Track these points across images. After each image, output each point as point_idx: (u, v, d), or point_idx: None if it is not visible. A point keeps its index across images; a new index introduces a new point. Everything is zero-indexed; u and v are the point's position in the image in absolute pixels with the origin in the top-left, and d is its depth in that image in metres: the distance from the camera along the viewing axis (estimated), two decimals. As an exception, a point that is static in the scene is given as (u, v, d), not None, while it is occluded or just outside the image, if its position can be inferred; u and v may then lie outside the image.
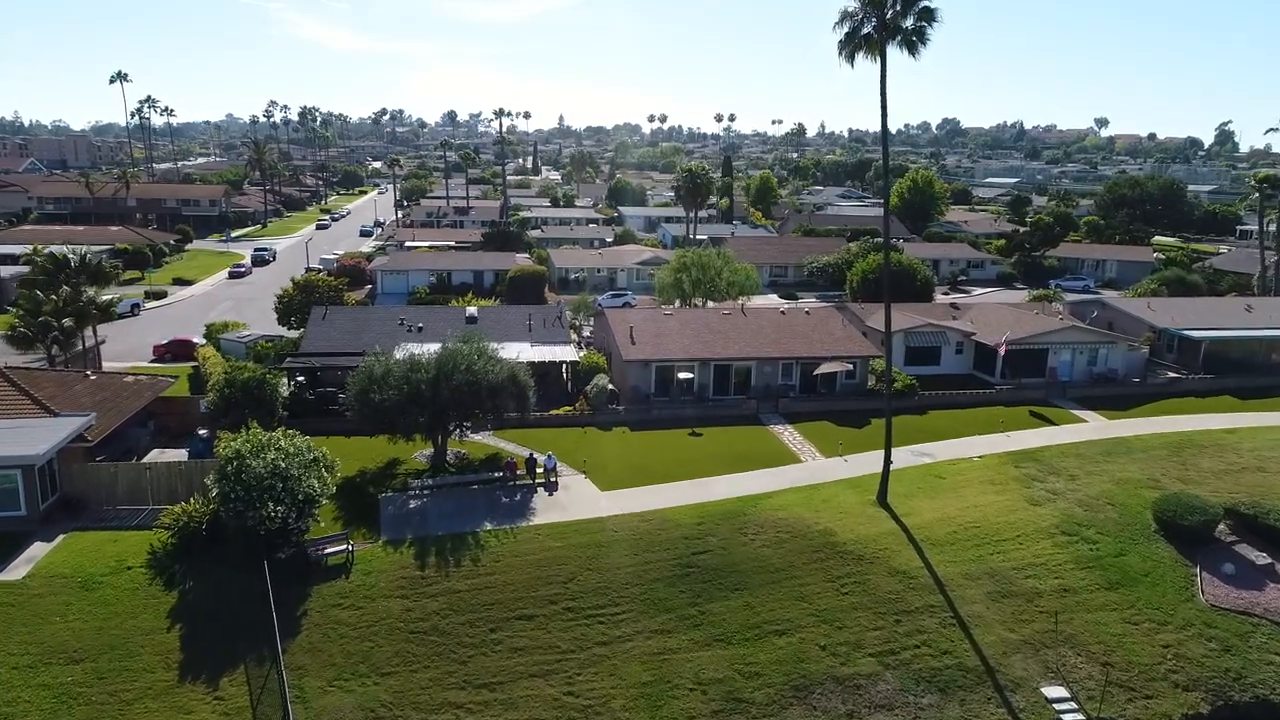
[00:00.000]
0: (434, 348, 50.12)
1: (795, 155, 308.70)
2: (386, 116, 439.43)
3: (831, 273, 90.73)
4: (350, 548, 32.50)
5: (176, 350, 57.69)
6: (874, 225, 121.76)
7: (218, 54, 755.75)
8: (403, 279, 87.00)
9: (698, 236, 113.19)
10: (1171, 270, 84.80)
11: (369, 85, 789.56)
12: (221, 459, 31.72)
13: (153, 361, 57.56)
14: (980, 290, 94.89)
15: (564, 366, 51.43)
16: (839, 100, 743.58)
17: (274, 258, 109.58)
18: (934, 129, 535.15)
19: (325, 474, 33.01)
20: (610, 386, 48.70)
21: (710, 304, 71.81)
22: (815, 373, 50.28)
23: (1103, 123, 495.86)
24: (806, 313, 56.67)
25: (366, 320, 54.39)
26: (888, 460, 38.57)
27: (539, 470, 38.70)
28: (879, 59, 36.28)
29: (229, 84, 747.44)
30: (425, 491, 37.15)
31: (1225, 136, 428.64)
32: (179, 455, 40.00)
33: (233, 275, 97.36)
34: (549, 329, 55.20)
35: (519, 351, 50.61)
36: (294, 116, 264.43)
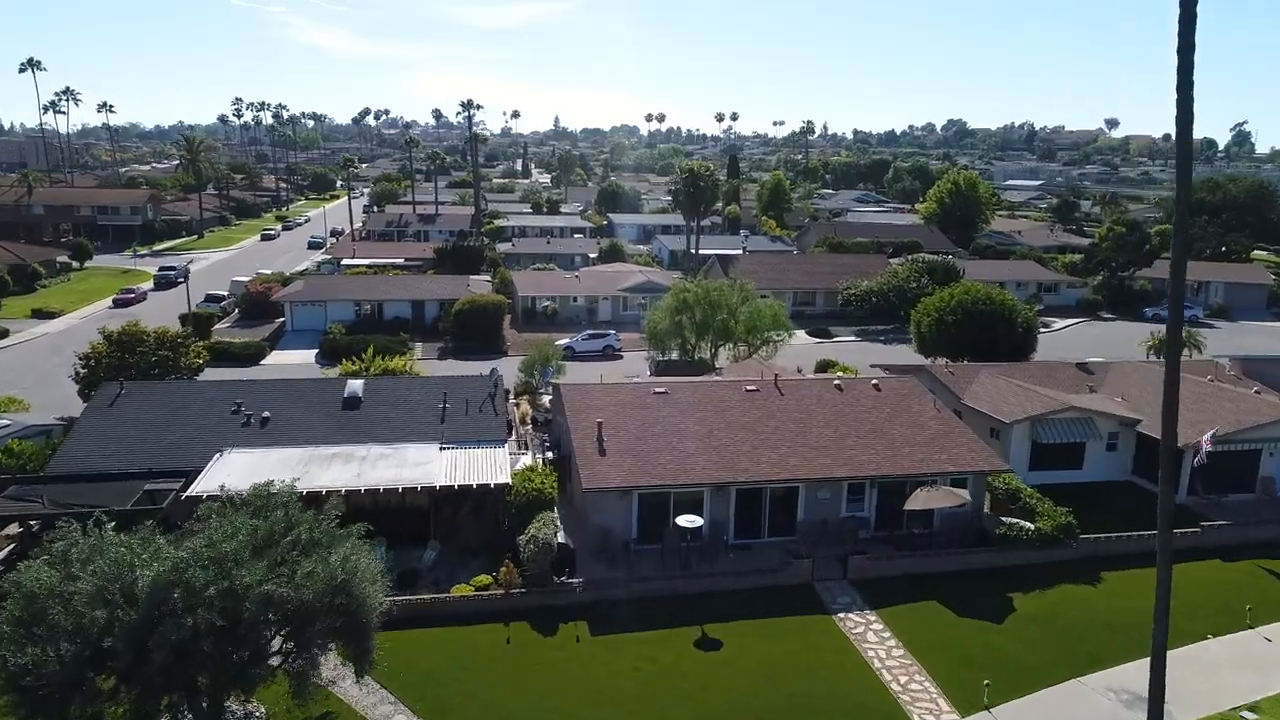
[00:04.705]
0: (288, 455, 30.41)
1: (800, 157, 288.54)
2: (370, 117, 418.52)
3: (876, 302, 70.55)
4: None
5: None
6: (912, 236, 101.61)
7: (217, 58, 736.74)
8: (319, 312, 66.88)
9: (701, 251, 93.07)
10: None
11: (362, 89, 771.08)
12: None
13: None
14: (1060, 323, 74.78)
15: (492, 492, 31.07)
16: (841, 101, 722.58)
17: (185, 278, 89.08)
18: (939, 130, 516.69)
19: None
20: (559, 539, 28.51)
21: (722, 354, 51.64)
22: (907, 508, 30.07)
23: (1113, 123, 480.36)
24: (875, 387, 36.45)
25: (182, 405, 34.20)
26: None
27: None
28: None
29: (230, 88, 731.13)
30: None
31: (1242, 137, 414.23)
32: None
33: (118, 304, 77.23)
34: (475, 416, 35.04)
35: (418, 465, 30.59)
36: (270, 119, 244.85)
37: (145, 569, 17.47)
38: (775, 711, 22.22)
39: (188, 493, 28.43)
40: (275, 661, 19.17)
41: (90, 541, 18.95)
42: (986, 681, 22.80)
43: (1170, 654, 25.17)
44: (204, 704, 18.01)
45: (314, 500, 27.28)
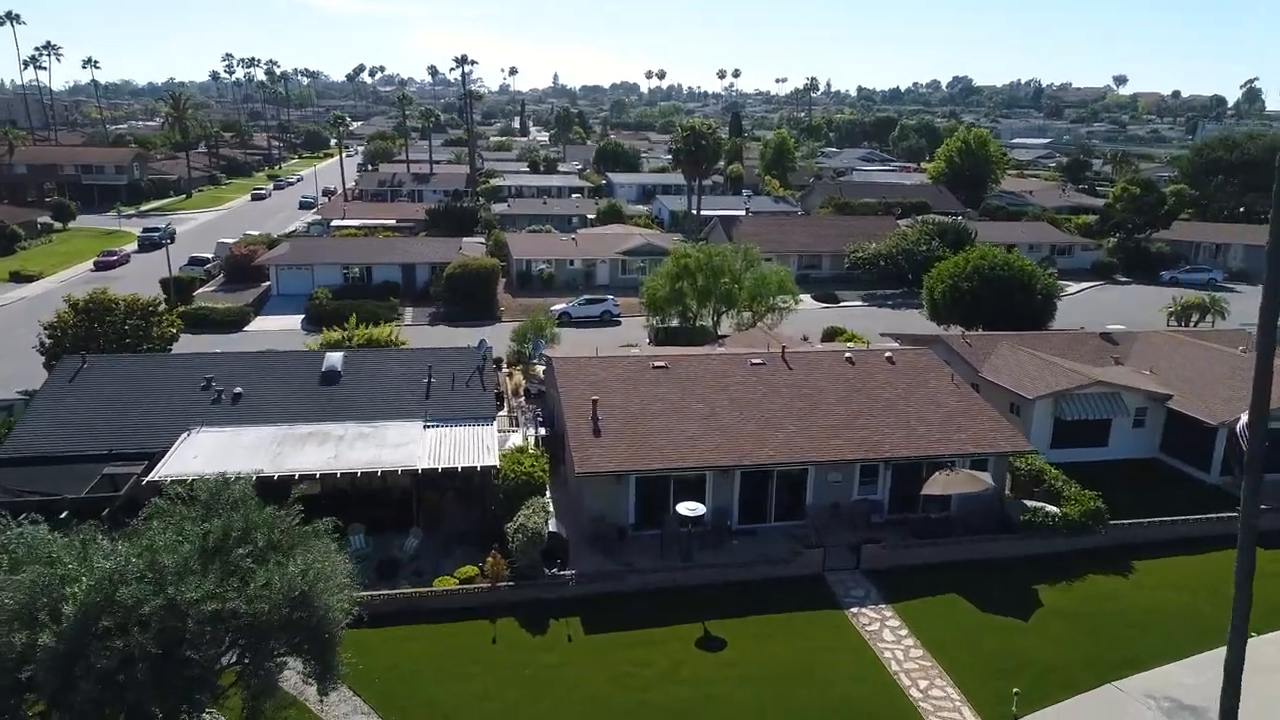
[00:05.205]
0: (260, 435, 28.37)
1: (804, 114, 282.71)
2: (365, 74, 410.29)
3: (885, 265, 67.93)
4: None
5: None
6: (920, 196, 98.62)
7: (211, 13, 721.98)
8: (305, 276, 64.40)
9: (703, 212, 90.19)
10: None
11: (358, 46, 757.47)
12: None
13: None
14: (1075, 287, 72.27)
15: (479, 475, 28.94)
16: (845, 58, 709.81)
17: (171, 239, 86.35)
18: (944, 88, 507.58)
19: None
20: (551, 528, 26.45)
21: (725, 321, 49.32)
22: (924, 493, 27.94)
23: (1121, 80, 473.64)
24: (889, 360, 34.17)
25: (149, 380, 31.94)
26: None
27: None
28: None
29: (223, 44, 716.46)
30: None
31: (1253, 94, 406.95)
32: None
33: (99, 266, 74.66)
34: (462, 391, 32.82)
35: (400, 446, 28.50)
36: (262, 75, 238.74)
37: (74, 584, 15.37)
38: (785, 723, 20.30)
39: (150, 477, 26.34)
40: (230, 677, 17.23)
41: (24, 541, 16.89)
42: (1016, 690, 20.85)
43: (1211, 655, 23.38)
44: (147, 729, 15.98)
45: (285, 487, 25.33)
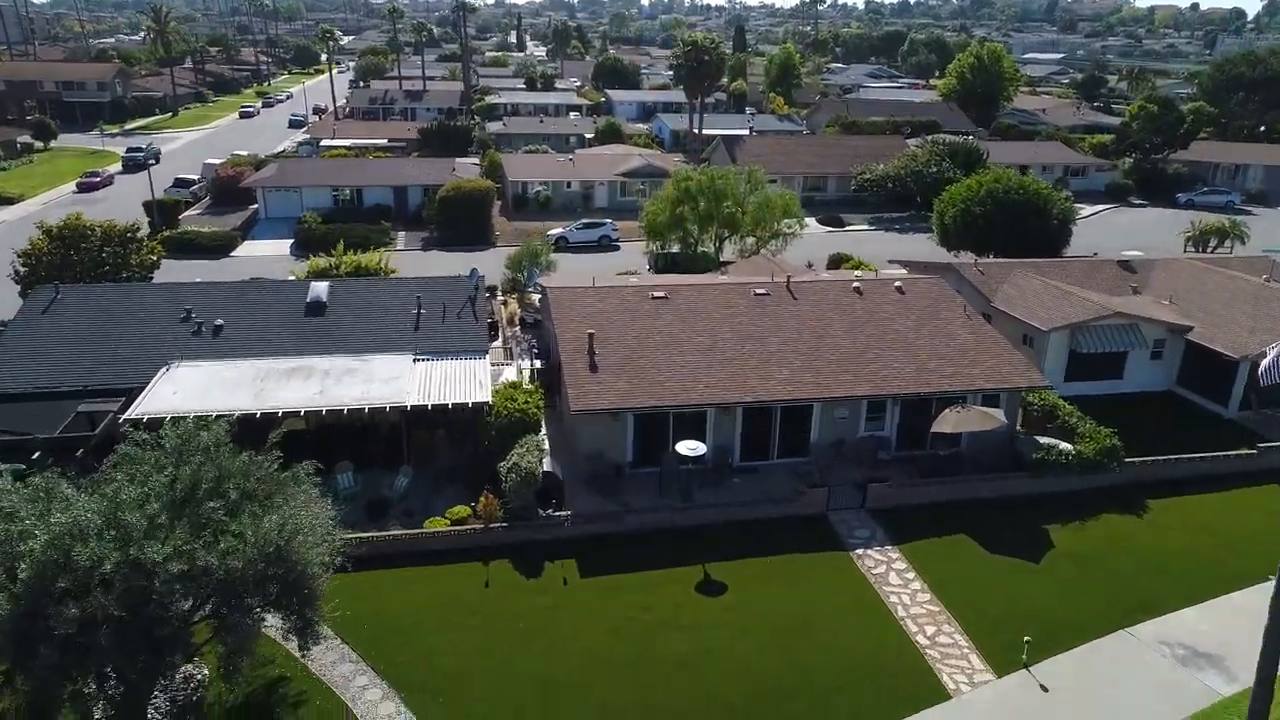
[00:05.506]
0: (242, 369, 27.32)
1: (809, 29, 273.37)
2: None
3: (893, 188, 65.69)
4: None
5: None
6: (929, 114, 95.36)
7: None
8: (294, 199, 62.30)
9: (705, 131, 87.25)
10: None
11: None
12: None
13: None
14: (1088, 210, 70.11)
15: (470, 412, 27.74)
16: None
17: (156, 159, 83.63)
18: (954, 0, 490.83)
19: None
20: (545, 467, 25.46)
21: (728, 248, 47.66)
22: (935, 430, 26.84)
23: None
24: (899, 290, 32.69)
25: (126, 312, 30.53)
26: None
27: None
28: None
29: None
30: None
31: (1274, 7, 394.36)
32: None
33: (82, 188, 72.35)
34: (453, 323, 31.46)
35: (388, 381, 27.36)
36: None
37: (32, 540, 14.33)
38: (784, 677, 19.61)
39: (127, 415, 25.23)
40: (206, 631, 16.39)
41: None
42: (1027, 638, 20.10)
43: (1228, 600, 22.67)
44: (119, 689, 15.18)
45: (269, 425, 24.22)
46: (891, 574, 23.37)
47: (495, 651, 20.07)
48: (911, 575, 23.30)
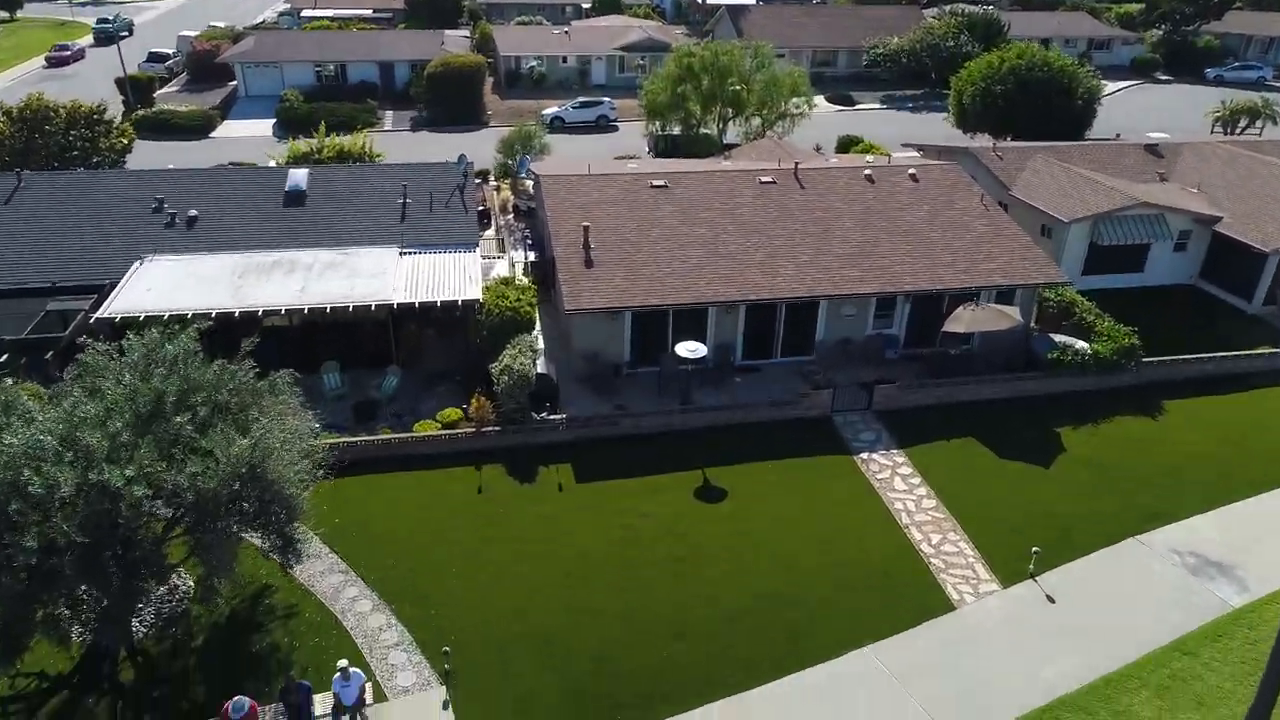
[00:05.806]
0: (219, 264, 26.08)
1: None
2: None
3: (907, 63, 62.17)
4: None
5: None
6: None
7: None
8: (274, 75, 59.08)
9: (708, 1, 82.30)
10: None
11: None
12: None
13: None
14: (1111, 86, 66.61)
15: (460, 309, 26.44)
16: None
17: (130, 32, 79.37)
18: None
19: None
20: (539, 369, 24.43)
21: (732, 129, 45.25)
22: (946, 329, 25.64)
23: None
24: (913, 178, 30.83)
25: (95, 201, 28.81)
26: None
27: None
28: None
29: None
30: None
31: None
32: None
33: (52, 63, 68.72)
34: (441, 213, 29.80)
35: (373, 277, 26.12)
36: None
37: (-15, 459, 13.39)
38: (784, 585, 19.14)
39: (100, 313, 24.05)
40: (182, 550, 15.73)
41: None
42: (1036, 549, 19.51)
43: (1244, 505, 22.09)
44: (93, 613, 14.58)
45: (248, 325, 23.10)
46: (897, 479, 22.70)
47: (488, 559, 19.56)
48: (917, 480, 22.63)
